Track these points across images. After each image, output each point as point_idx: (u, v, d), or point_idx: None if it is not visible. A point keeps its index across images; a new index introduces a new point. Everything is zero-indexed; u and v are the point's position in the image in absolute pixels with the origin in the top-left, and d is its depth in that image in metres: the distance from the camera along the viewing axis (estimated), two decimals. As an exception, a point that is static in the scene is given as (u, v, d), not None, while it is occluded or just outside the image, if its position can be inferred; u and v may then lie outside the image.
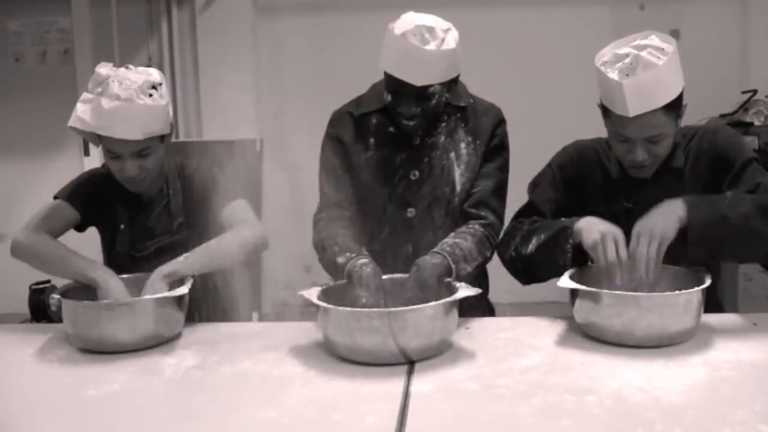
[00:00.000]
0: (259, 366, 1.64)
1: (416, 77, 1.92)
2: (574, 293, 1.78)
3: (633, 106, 1.80)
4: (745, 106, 4.52)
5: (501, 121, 2.13)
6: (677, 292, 1.68)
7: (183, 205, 2.21)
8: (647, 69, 1.80)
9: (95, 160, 4.91)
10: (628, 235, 1.83)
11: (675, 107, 1.87)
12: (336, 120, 2.17)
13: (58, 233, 2.12)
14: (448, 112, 2.09)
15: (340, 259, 1.91)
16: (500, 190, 2.11)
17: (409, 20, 1.93)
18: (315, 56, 4.95)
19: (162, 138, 2.09)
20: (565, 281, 1.78)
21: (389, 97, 2.01)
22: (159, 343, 1.82)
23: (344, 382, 1.52)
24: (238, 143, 4.57)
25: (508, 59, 4.86)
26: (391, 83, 1.97)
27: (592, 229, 1.83)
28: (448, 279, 1.83)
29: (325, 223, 2.06)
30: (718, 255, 1.88)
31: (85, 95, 2.01)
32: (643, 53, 1.82)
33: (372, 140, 2.10)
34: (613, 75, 1.83)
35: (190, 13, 5.06)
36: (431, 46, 1.90)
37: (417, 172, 2.08)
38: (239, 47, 4.97)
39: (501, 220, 2.09)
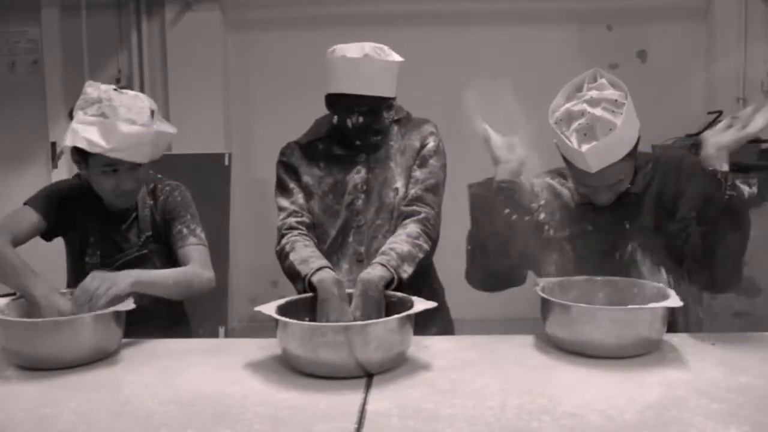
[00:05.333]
0: (218, 382, 1.63)
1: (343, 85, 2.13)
2: (545, 306, 1.81)
3: (594, 165, 1.82)
4: (710, 127, 4.58)
5: (430, 133, 2.26)
6: (649, 305, 1.72)
7: (151, 221, 2.23)
8: (606, 131, 1.78)
9: (63, 172, 4.88)
10: (587, 256, 1.96)
11: (633, 151, 1.88)
12: (285, 150, 2.31)
13: (22, 239, 2.11)
14: (385, 129, 2.24)
15: (302, 268, 2.01)
16: (433, 188, 2.21)
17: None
18: (284, 70, 4.95)
19: None
20: (539, 291, 1.84)
21: (335, 118, 2.20)
22: (99, 358, 1.79)
23: (301, 399, 1.51)
24: (206, 157, 4.55)
25: (475, 76, 4.89)
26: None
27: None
28: (401, 294, 1.88)
29: (286, 230, 2.18)
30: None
31: (82, 116, 2.00)
32: (598, 111, 1.79)
33: (321, 163, 2.26)
34: (572, 138, 1.81)
35: (160, 26, 5.05)
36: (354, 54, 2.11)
37: (364, 185, 2.21)
38: (209, 61, 4.96)
39: (436, 211, 2.19)
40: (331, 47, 2.17)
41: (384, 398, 1.50)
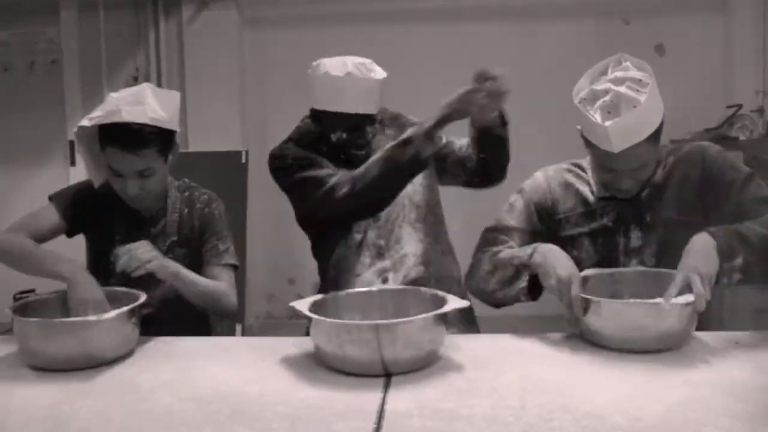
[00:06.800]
0: (235, 381, 1.62)
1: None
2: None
3: (618, 144, 1.80)
4: (730, 121, 4.54)
5: None
6: (685, 297, 1.68)
7: (179, 226, 2.22)
8: (630, 108, 1.78)
9: (81, 170, 4.87)
10: (607, 251, 1.93)
11: (657, 134, 1.87)
12: (284, 152, 2.34)
13: (41, 237, 2.11)
14: (368, 143, 2.27)
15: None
16: None
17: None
18: (300, 68, 4.93)
19: (166, 159, 2.11)
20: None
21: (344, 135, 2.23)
22: (117, 357, 1.79)
23: (319, 398, 1.50)
24: (223, 154, 4.56)
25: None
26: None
27: (548, 271, 1.81)
28: (440, 293, 1.82)
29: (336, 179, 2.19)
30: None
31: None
32: (623, 89, 1.79)
33: (325, 161, 2.26)
34: (596, 115, 1.81)
35: (177, 25, 5.07)
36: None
37: None
38: (225, 59, 4.98)
39: None
40: (315, 61, 2.23)
41: (403, 398, 1.49)
